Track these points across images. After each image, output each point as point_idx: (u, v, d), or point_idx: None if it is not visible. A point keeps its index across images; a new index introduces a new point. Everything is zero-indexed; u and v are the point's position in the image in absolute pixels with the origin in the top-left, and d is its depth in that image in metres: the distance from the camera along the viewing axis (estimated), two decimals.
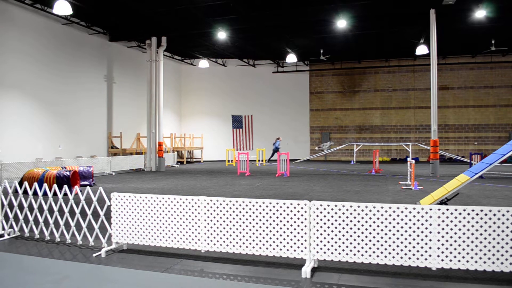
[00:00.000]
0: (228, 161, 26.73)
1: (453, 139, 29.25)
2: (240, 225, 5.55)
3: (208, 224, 5.71)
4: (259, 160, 26.28)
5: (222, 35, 21.31)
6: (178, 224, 5.87)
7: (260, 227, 5.46)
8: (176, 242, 5.89)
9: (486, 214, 4.81)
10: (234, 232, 5.59)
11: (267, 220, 5.44)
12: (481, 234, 4.81)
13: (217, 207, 5.67)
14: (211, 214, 5.70)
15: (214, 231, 5.68)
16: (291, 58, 26.03)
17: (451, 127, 29.23)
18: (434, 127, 18.28)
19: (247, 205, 5.53)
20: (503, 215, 4.77)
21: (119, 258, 5.92)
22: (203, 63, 27.79)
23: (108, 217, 6.33)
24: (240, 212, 5.56)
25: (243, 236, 5.54)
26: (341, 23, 19.42)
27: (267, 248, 5.43)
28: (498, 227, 4.77)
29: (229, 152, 27.39)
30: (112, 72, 23.76)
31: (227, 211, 5.62)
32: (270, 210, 5.42)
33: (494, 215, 4.79)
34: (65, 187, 6.72)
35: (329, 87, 31.13)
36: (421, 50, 22.88)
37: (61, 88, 20.09)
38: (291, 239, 5.34)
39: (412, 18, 19.85)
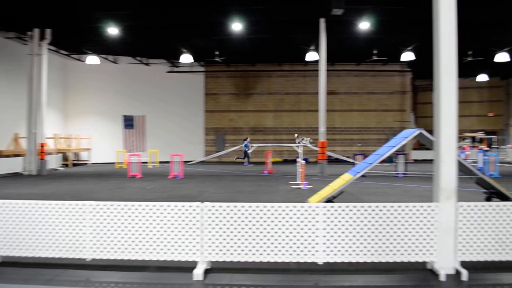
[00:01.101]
0: (118, 163, 25.56)
1: (339, 140, 31.27)
2: (130, 230, 5.30)
3: (94, 230, 5.36)
4: (151, 162, 25.54)
5: (113, 30, 20.29)
6: (60, 232, 5.40)
7: (151, 231, 5.27)
8: (58, 252, 5.42)
9: (366, 210, 5.19)
10: (122, 237, 5.31)
11: (158, 224, 5.26)
12: (361, 229, 5.19)
13: (104, 212, 5.35)
14: (98, 220, 5.36)
15: (101, 237, 5.34)
16: (186, 58, 25.72)
17: (338, 129, 31.23)
18: (322, 129, 19.35)
19: (136, 209, 5.30)
20: (381, 210, 5.20)
21: None
22: (92, 59, 26.18)
23: None
24: (129, 216, 5.31)
25: (133, 242, 5.29)
26: (237, 26, 19.68)
27: (158, 253, 5.26)
28: (376, 221, 5.19)
29: (119, 154, 26.20)
30: None
31: (115, 216, 5.33)
32: (161, 213, 5.26)
33: (373, 210, 5.19)
34: None
35: (224, 89, 31.40)
36: (311, 56, 24.10)
37: None
38: (183, 242, 5.24)
39: (304, 25, 20.76)
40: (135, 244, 5.29)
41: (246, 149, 26.24)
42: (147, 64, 30.09)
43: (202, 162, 29.19)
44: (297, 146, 17.78)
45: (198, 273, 5.04)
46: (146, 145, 30.09)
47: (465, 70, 31.63)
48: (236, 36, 21.95)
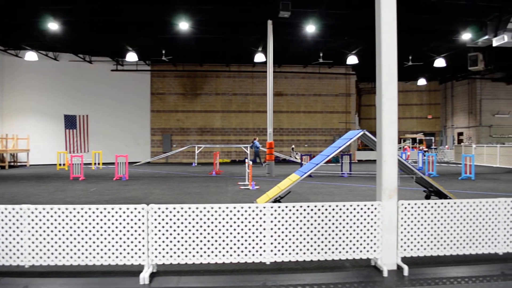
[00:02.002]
0: (60, 164, 24.49)
1: (287, 141, 31.73)
2: (71, 234, 5.07)
3: (33, 235, 5.08)
4: (95, 164, 24.70)
5: (53, 26, 19.38)
6: None
7: (94, 234, 5.08)
8: None
9: (312, 209, 5.29)
10: (64, 242, 5.08)
11: (101, 227, 5.08)
12: (308, 228, 5.28)
13: (44, 216, 5.09)
14: (36, 224, 5.08)
15: (41, 242, 5.08)
16: (132, 56, 25.11)
17: (285, 130, 31.68)
18: (270, 130, 19.53)
19: (78, 212, 5.08)
20: (326, 209, 5.31)
21: None
22: (31, 55, 24.89)
23: None
24: (71, 220, 5.08)
25: (75, 246, 5.07)
26: (184, 25, 19.44)
27: (102, 257, 5.07)
28: (322, 220, 5.30)
29: (60, 155, 25.10)
30: None
31: (55, 220, 5.08)
32: (105, 216, 5.09)
33: (319, 209, 5.29)
34: None
35: (171, 89, 30.95)
36: (259, 57, 24.29)
37: None
38: (128, 246, 5.09)
39: (252, 26, 20.87)
40: (77, 249, 5.07)
41: (257, 150, 25.99)
42: (90, 61, 29.07)
43: (148, 163, 28.61)
44: (246, 147, 17.83)
45: (144, 277, 4.92)
46: (89, 145, 29.06)
47: (406, 74, 33.19)
48: (183, 36, 21.69)
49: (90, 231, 5.08)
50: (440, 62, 26.80)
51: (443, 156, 31.16)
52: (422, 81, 36.20)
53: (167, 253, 5.12)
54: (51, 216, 5.08)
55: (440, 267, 5.53)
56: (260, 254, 5.20)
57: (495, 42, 19.53)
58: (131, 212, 5.11)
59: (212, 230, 5.15)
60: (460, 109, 36.93)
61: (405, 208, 5.45)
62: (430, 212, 5.49)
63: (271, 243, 5.21)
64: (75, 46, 25.90)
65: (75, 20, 19.46)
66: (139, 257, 5.10)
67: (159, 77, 30.83)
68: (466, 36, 20.89)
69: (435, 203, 5.52)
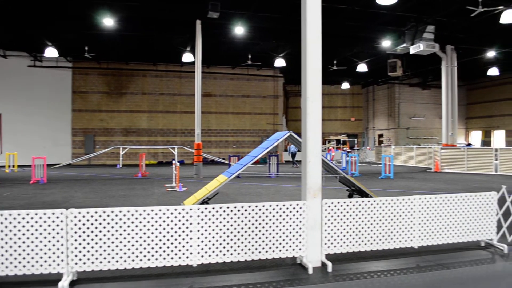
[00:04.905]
0: None
1: (215, 142, 31.64)
2: None
3: None
4: (9, 166, 23.01)
5: None
6: None
7: (7, 243, 4.70)
8: None
9: (239, 210, 5.31)
10: None
11: (15, 235, 4.72)
12: (235, 229, 5.29)
13: None
14: None
15: None
16: (52, 52, 23.65)
17: (214, 131, 31.57)
18: (198, 131, 19.37)
19: None
20: (253, 210, 5.37)
21: None
22: None
23: None
24: None
25: None
26: (108, 21, 18.70)
27: (15, 267, 4.71)
28: (249, 220, 5.34)
29: None
30: None
31: None
32: (19, 222, 4.73)
33: (246, 210, 5.33)
34: None
35: (94, 87, 29.58)
36: (187, 57, 23.99)
37: None
38: (46, 253, 4.78)
39: (180, 26, 20.57)
40: None
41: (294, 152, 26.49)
42: (4, 56, 27.00)
43: (69, 165, 27.16)
44: (173, 148, 17.54)
45: (63, 286, 4.64)
46: (2, 146, 27.02)
47: (331, 78, 34.51)
48: (108, 32, 20.84)
49: (2, 239, 4.70)
50: (362, 67, 28.18)
51: (365, 157, 32.74)
52: (345, 85, 37.92)
53: (88, 259, 4.87)
54: None
55: (362, 262, 5.79)
56: (187, 257, 5.13)
57: (412, 50, 20.93)
58: (49, 218, 4.80)
59: (137, 234, 4.99)
60: (381, 112, 39.10)
61: (329, 207, 5.64)
62: (352, 210, 5.73)
63: (198, 245, 5.16)
64: None
65: None
66: (58, 264, 4.81)
67: (81, 74, 29.32)
68: (386, 43, 22.15)
69: (357, 202, 5.77)
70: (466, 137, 39.34)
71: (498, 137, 36.38)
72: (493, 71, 30.32)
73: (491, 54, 25.27)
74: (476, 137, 38.82)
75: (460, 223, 6.26)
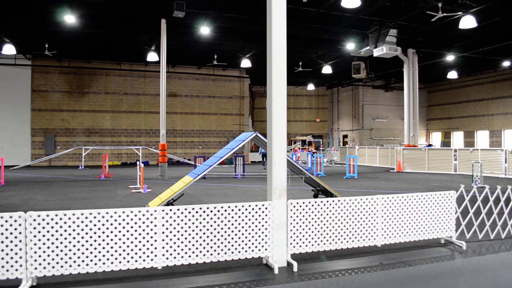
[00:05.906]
0: None
1: (180, 143, 31.32)
2: None
3: None
4: None
5: None
6: None
7: None
8: None
9: (204, 211, 5.27)
10: None
11: None
12: (200, 230, 5.25)
13: None
14: None
15: None
16: (9, 49, 22.77)
17: (179, 132, 31.24)
18: (163, 132, 19.13)
19: None
20: (218, 211, 5.34)
21: None
22: None
23: None
24: None
25: None
26: (69, 18, 18.15)
27: None
28: (215, 222, 5.31)
29: None
30: None
31: None
32: None
33: (211, 211, 5.29)
34: None
35: (55, 86, 28.70)
36: (152, 57, 23.63)
37: None
38: (3, 258, 4.59)
39: (144, 24, 20.24)
40: None
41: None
42: None
43: (28, 166, 26.26)
44: (137, 149, 17.25)
45: None
46: None
47: (297, 79, 34.85)
48: (69, 29, 20.26)
49: None
50: (327, 69, 28.61)
51: (330, 157, 33.21)
52: (311, 86, 38.43)
53: (48, 264, 4.71)
54: None
55: (327, 261, 5.86)
56: (152, 259, 5.04)
57: (376, 53, 21.42)
58: (6, 221, 4.62)
59: (100, 237, 4.87)
60: (345, 113, 39.79)
61: (294, 207, 5.67)
62: (317, 210, 5.79)
63: (163, 247, 5.09)
64: None
65: None
66: (16, 270, 4.63)
67: (41, 73, 28.38)
68: (350, 46, 22.56)
69: (322, 202, 5.84)
70: (427, 138, 40.61)
71: (457, 138, 37.74)
72: (452, 74, 31.47)
73: (450, 58, 26.17)
74: (436, 138, 40.13)
75: (421, 222, 6.43)
